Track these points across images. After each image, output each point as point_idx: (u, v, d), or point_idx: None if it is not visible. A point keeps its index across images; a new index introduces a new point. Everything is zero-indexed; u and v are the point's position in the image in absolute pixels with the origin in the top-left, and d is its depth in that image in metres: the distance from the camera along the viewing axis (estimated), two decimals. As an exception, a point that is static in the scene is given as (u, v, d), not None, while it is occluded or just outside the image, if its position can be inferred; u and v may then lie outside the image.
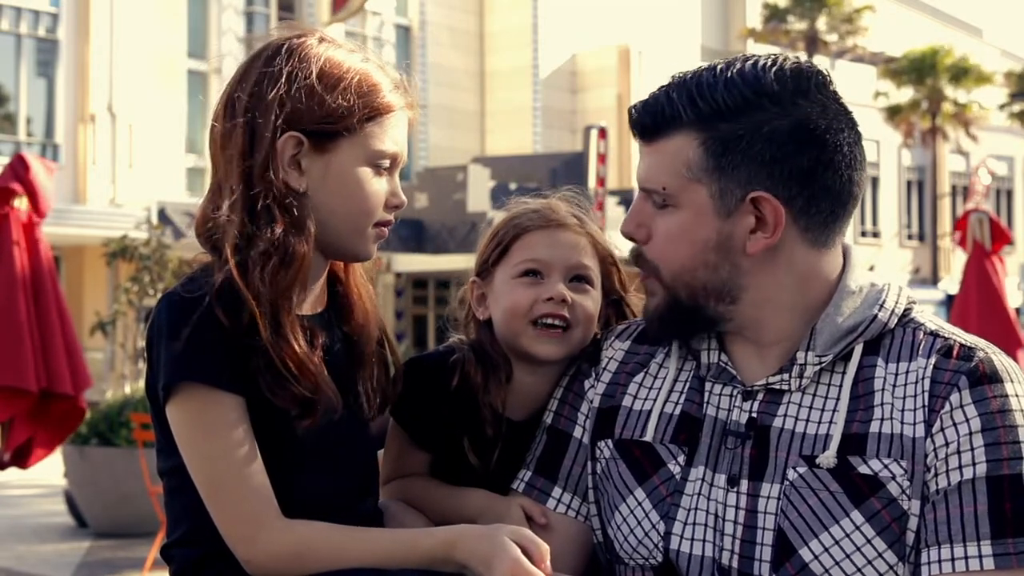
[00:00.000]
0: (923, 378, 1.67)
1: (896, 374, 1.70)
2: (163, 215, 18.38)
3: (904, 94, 34.60)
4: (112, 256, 12.89)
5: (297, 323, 1.72)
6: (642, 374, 1.88)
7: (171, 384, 1.68)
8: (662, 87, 1.76)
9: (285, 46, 1.77)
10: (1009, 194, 39.25)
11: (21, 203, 6.88)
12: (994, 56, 40.75)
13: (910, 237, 36.61)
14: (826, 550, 1.64)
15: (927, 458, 1.64)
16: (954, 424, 1.64)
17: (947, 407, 1.64)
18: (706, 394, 1.79)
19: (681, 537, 1.74)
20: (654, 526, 1.76)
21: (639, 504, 1.79)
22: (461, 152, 27.83)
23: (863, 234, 34.64)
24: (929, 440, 1.64)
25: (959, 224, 9.49)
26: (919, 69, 34.27)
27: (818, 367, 1.72)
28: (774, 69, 1.70)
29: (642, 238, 1.78)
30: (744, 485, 1.71)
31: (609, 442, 1.85)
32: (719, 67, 1.72)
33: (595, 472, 1.87)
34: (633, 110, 1.77)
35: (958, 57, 34.69)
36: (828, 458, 1.67)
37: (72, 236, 19.33)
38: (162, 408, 1.71)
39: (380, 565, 1.66)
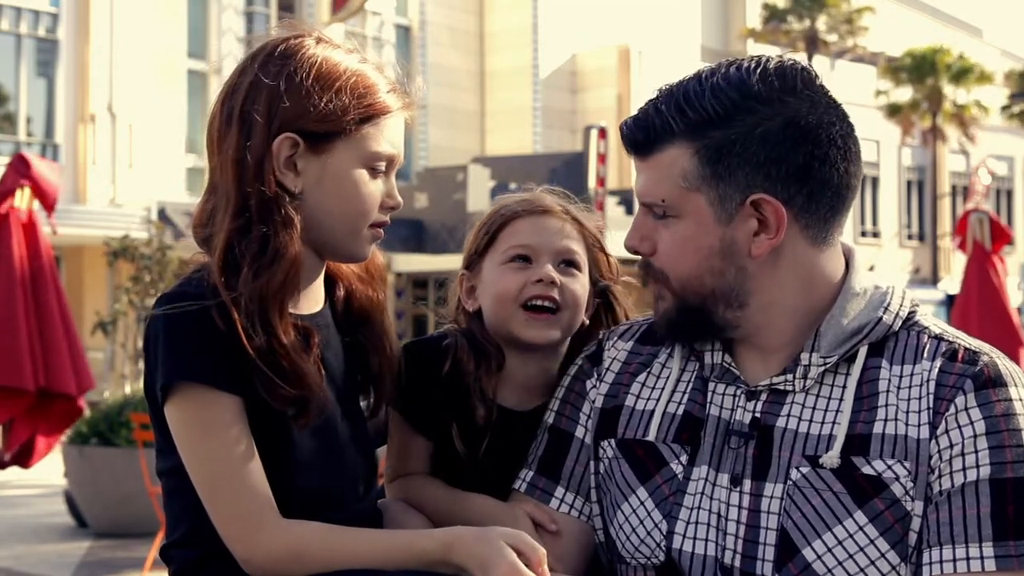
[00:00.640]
0: (928, 381, 1.68)
1: (900, 376, 1.70)
2: (163, 215, 18.40)
3: (904, 93, 34.61)
4: (113, 256, 12.91)
5: (290, 323, 1.71)
6: (645, 374, 1.88)
7: (169, 384, 1.67)
8: (650, 101, 1.76)
9: (282, 47, 1.77)
10: (1009, 194, 39.25)
11: (22, 203, 6.88)
12: (994, 56, 40.75)
13: (910, 237, 36.61)
14: (829, 550, 1.64)
15: (931, 460, 1.64)
16: (958, 426, 1.64)
17: (952, 409, 1.64)
18: (709, 394, 1.79)
19: (683, 536, 1.74)
20: (656, 525, 1.76)
21: (641, 503, 1.78)
22: (461, 152, 27.85)
23: (863, 234, 34.62)
24: (933, 442, 1.64)
25: (959, 226, 9.49)
26: (919, 68, 34.28)
27: (822, 368, 1.72)
28: (758, 70, 1.70)
29: (647, 251, 1.78)
30: (747, 485, 1.71)
31: (612, 441, 1.85)
32: (704, 75, 1.72)
33: (598, 472, 1.87)
34: (624, 127, 1.77)
35: (958, 57, 34.69)
36: (832, 458, 1.67)
37: (72, 236, 19.31)
38: (161, 408, 1.70)
39: (377, 566, 1.65)
